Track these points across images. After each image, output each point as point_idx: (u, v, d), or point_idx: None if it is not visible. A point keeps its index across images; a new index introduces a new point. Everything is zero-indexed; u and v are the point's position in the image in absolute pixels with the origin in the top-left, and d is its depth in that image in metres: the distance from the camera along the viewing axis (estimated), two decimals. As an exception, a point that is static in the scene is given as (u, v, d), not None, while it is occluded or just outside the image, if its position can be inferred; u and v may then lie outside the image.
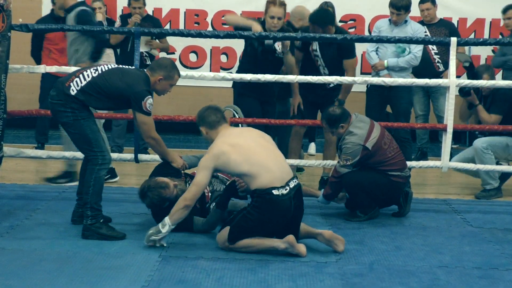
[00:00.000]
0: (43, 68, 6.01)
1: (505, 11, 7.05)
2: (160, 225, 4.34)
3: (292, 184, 4.34)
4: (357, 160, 5.11)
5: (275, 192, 4.23)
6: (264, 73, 5.72)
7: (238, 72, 6.21)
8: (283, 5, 5.87)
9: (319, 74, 6.03)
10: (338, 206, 5.47)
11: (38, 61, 7.33)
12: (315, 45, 6.12)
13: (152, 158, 5.98)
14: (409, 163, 5.84)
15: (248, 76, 5.88)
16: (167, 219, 4.31)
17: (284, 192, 4.27)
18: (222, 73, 6.17)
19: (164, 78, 4.64)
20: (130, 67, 4.78)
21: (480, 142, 6.04)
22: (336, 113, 5.19)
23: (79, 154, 5.56)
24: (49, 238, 4.55)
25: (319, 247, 4.51)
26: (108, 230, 4.59)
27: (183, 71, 6.29)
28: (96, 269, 3.99)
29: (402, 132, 6.28)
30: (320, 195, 5.35)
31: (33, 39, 7.43)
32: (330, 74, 6.01)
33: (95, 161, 4.55)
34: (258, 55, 5.91)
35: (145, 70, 4.73)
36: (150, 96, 4.56)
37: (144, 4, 7.56)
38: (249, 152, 4.32)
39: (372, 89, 6.51)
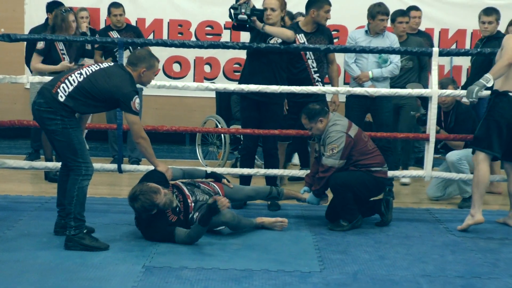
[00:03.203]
0: (25, 78, 5.98)
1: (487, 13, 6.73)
2: (483, 81, 5.06)
3: None
4: (342, 148, 5.18)
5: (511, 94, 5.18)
6: (261, 63, 5.79)
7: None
8: None
9: (308, 69, 6.28)
10: (322, 215, 5.48)
11: None
12: (302, 38, 6.19)
13: (136, 168, 5.97)
14: (392, 173, 5.88)
15: (232, 86, 5.90)
16: (488, 75, 5.09)
17: None
18: (206, 83, 6.15)
19: (147, 69, 4.70)
20: (111, 65, 4.75)
21: (454, 156, 6.15)
22: (315, 108, 5.39)
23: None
24: (32, 249, 4.52)
25: (300, 254, 4.54)
26: (91, 240, 4.56)
27: (167, 81, 6.32)
28: (80, 280, 3.97)
29: (384, 141, 6.32)
30: (306, 197, 5.44)
31: (27, 48, 7.40)
32: (317, 67, 6.31)
33: (79, 171, 4.54)
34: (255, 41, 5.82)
35: (124, 66, 4.74)
36: (137, 96, 4.62)
37: (124, 12, 7.63)
38: None
39: (352, 99, 6.48)
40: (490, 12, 6.67)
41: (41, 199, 5.88)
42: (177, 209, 4.85)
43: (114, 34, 7.50)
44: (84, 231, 4.57)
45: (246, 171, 5.91)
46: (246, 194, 5.52)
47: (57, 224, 4.85)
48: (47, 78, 5.80)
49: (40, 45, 6.38)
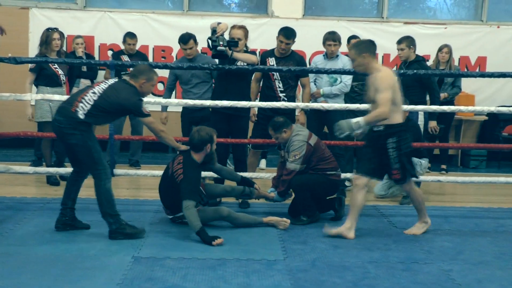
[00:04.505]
0: (28, 96, 5.92)
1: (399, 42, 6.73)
2: (355, 126, 4.61)
3: None
4: (303, 154, 5.23)
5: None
6: (230, 82, 5.80)
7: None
8: (241, 27, 5.95)
9: (274, 88, 6.13)
10: (286, 212, 5.50)
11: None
12: (272, 61, 6.17)
13: (126, 172, 5.94)
14: (344, 175, 5.93)
15: (207, 102, 5.91)
16: (361, 121, 4.62)
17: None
18: (185, 100, 6.16)
19: (146, 81, 4.67)
20: (116, 80, 4.73)
21: None
22: (280, 120, 5.40)
23: (62, 170, 5.52)
24: (35, 243, 4.48)
25: (267, 245, 4.56)
26: (131, 229, 4.60)
27: (152, 98, 6.30)
28: (77, 270, 3.95)
29: (337, 148, 6.38)
30: (273, 196, 5.46)
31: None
32: (284, 87, 6.13)
33: (99, 177, 4.54)
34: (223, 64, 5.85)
35: (126, 79, 4.73)
36: (143, 101, 4.66)
37: (137, 42, 7.80)
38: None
39: (311, 113, 6.55)
40: (400, 41, 6.66)
41: (43, 200, 5.82)
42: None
43: (125, 58, 7.55)
44: (123, 223, 4.57)
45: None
46: (223, 189, 5.53)
47: (58, 221, 4.80)
48: (48, 96, 5.77)
49: (32, 65, 6.39)
